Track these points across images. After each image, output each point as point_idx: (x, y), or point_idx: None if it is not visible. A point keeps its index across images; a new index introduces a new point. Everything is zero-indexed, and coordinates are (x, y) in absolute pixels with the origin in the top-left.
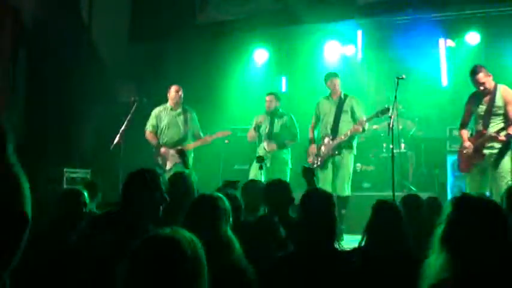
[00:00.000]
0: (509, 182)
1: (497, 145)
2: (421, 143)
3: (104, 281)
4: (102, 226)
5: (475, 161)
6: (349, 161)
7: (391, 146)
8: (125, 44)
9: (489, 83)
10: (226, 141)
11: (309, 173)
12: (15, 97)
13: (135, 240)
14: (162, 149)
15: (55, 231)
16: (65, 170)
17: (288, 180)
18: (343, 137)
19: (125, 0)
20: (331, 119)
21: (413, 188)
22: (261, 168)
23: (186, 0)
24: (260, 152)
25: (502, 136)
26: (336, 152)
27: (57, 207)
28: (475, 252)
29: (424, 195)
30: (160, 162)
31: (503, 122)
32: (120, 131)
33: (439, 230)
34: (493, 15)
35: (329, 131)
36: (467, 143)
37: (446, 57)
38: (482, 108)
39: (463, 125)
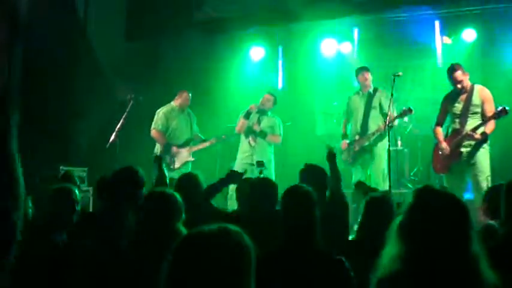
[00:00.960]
0: (489, 177)
1: (474, 143)
2: (418, 141)
3: (95, 279)
4: (90, 226)
5: (451, 161)
6: (381, 157)
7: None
8: (121, 42)
9: (466, 81)
10: (223, 136)
11: (332, 158)
12: (10, 95)
13: (121, 238)
14: (174, 148)
15: (46, 229)
16: (61, 167)
17: (273, 177)
18: (371, 136)
19: None
20: (360, 116)
21: (409, 186)
22: (261, 173)
23: None
24: (244, 147)
25: (478, 134)
26: (365, 149)
27: (48, 205)
28: (431, 245)
29: None
30: (168, 161)
31: (480, 121)
32: (116, 130)
33: (397, 220)
34: (490, 12)
35: (359, 128)
36: (444, 144)
37: (443, 55)
38: (458, 106)
39: (438, 124)
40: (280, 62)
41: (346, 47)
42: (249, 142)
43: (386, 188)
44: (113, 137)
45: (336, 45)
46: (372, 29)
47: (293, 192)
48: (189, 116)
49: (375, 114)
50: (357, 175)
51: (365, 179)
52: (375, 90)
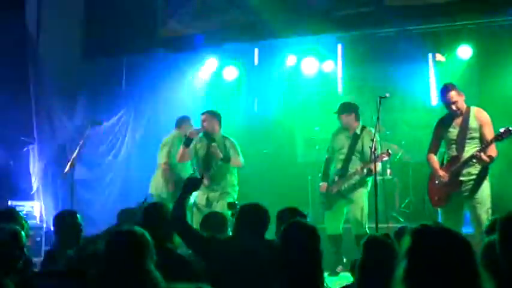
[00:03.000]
0: (489, 210)
1: (474, 171)
2: (409, 168)
3: None
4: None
5: (450, 191)
6: (361, 198)
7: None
8: (77, 60)
9: (461, 103)
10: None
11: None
12: None
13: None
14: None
15: None
16: (10, 202)
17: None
18: (349, 178)
19: (78, 12)
20: (342, 157)
21: (400, 219)
22: (233, 216)
23: (146, 12)
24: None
25: (485, 156)
26: (342, 194)
27: None
28: None
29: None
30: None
31: (479, 146)
32: (72, 158)
33: (400, 269)
34: (487, 27)
35: (339, 170)
36: (441, 172)
37: (436, 74)
38: (454, 131)
39: (432, 151)
40: (256, 83)
41: (329, 66)
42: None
43: (366, 223)
44: (68, 166)
45: (318, 63)
46: (358, 46)
47: (294, 226)
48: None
49: (357, 157)
50: (330, 218)
51: (337, 227)
52: (362, 129)
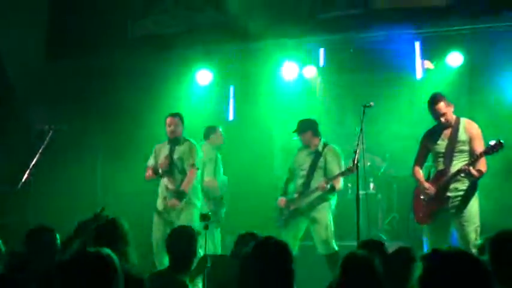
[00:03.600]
0: (478, 228)
1: (462, 186)
2: (393, 183)
3: None
4: None
5: (436, 207)
6: (324, 216)
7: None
8: (40, 61)
9: (450, 114)
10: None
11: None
12: None
13: None
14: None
15: None
16: None
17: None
18: (310, 194)
19: (40, 9)
20: (304, 173)
21: (383, 237)
22: (206, 228)
23: (117, 10)
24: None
25: (474, 170)
26: (301, 212)
27: None
28: None
29: (395, 245)
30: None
31: (468, 160)
32: (30, 166)
33: None
34: (479, 33)
35: (300, 187)
36: (427, 184)
37: (424, 82)
38: (442, 144)
39: (418, 164)
40: (231, 89)
41: (310, 71)
42: (166, 186)
43: (333, 241)
44: (25, 176)
45: (298, 68)
46: (341, 51)
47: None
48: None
49: (319, 174)
50: (286, 236)
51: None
52: (324, 146)
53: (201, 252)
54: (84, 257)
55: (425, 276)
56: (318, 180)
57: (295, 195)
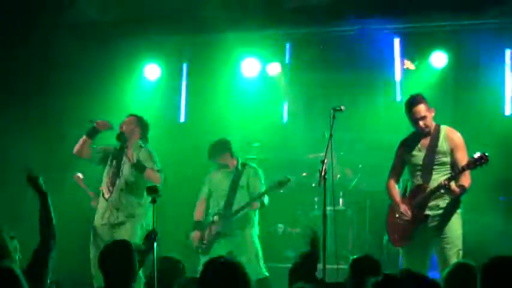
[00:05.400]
0: (461, 252)
1: (443, 204)
2: (366, 198)
3: None
4: None
5: (413, 228)
6: (250, 238)
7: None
8: None
9: (430, 120)
10: None
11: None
12: None
13: None
14: (93, 202)
15: None
16: None
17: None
18: (234, 214)
19: None
20: (223, 194)
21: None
22: (154, 201)
23: None
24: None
25: (454, 186)
26: (225, 232)
27: None
28: None
29: None
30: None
31: (449, 174)
32: None
33: None
34: (466, 30)
35: (221, 209)
36: (403, 207)
37: (403, 83)
38: (419, 155)
39: (393, 178)
40: (183, 85)
41: (274, 68)
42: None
43: (262, 264)
44: None
45: (261, 65)
46: (309, 46)
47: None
48: None
49: (242, 193)
50: None
51: None
52: (244, 165)
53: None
54: None
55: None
56: (243, 199)
57: (215, 219)
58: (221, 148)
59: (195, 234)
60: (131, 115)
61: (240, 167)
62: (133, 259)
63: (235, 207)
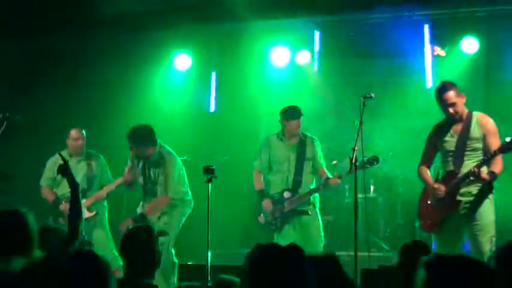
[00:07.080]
0: (493, 238)
1: (475, 190)
2: (398, 186)
3: None
4: None
5: (445, 213)
6: (317, 218)
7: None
8: None
9: (461, 106)
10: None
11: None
12: None
13: None
14: (62, 206)
15: None
16: None
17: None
18: (306, 196)
19: None
20: (291, 169)
21: (385, 246)
22: (209, 181)
23: None
24: None
25: (484, 173)
26: (302, 210)
27: None
28: None
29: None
30: (62, 222)
31: (481, 159)
32: None
33: None
34: (497, 16)
35: (290, 185)
36: (436, 185)
37: (433, 70)
38: (451, 141)
39: (424, 163)
40: (213, 76)
41: (304, 56)
42: None
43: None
44: None
45: (290, 53)
46: (339, 34)
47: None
48: (86, 159)
49: (308, 167)
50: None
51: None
52: (305, 136)
53: None
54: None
55: (428, 282)
56: (309, 174)
57: (286, 195)
58: (299, 111)
59: (266, 203)
60: (129, 139)
61: (303, 137)
62: (156, 244)
63: (304, 183)
